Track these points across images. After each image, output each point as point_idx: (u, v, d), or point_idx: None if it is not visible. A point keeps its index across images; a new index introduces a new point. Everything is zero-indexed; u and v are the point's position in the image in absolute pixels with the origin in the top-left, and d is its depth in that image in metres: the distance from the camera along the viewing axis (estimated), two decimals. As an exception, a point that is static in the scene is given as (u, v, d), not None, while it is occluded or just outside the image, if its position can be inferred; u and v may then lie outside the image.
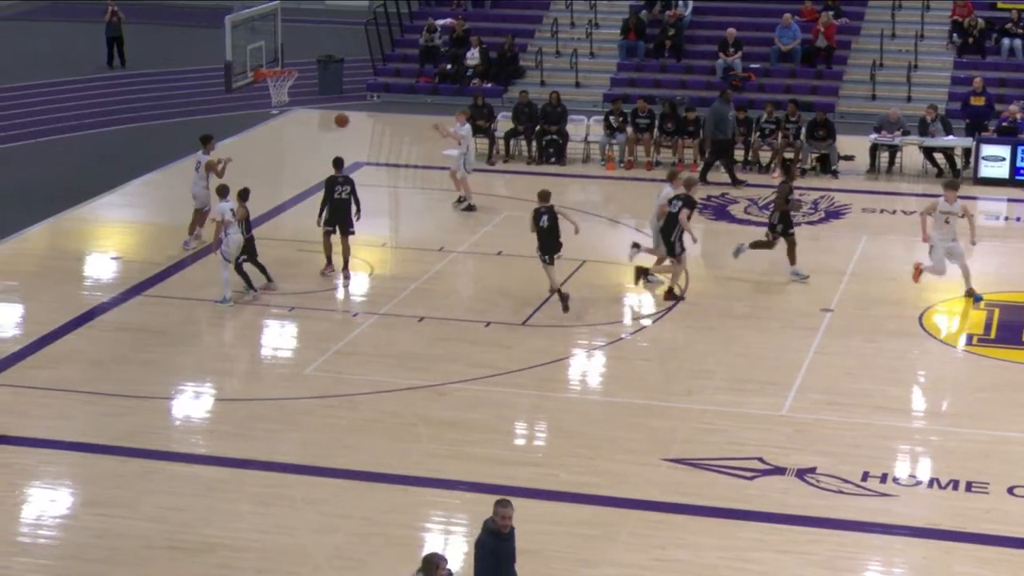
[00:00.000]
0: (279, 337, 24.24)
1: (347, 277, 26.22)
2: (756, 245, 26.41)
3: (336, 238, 26.29)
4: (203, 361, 22.89)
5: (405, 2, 45.53)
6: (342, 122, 30.92)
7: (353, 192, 26.57)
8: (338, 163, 27.01)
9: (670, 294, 25.25)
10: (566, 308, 24.43)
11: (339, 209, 26.40)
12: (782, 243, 26.22)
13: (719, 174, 32.83)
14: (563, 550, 16.66)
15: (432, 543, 17.10)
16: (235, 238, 24.83)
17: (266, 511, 17.69)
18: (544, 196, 25.18)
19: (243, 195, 25.07)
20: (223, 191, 25.27)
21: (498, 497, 13.93)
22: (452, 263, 27.39)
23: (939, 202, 25.11)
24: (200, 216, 27.95)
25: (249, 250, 25.29)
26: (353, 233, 26.34)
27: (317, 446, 19.53)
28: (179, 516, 17.53)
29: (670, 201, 25.32)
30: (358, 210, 26.54)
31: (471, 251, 28.02)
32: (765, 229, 26.76)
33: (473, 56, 41.84)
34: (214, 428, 20.43)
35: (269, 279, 25.61)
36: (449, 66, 42.08)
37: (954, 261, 25.00)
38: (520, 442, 20.23)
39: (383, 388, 21.37)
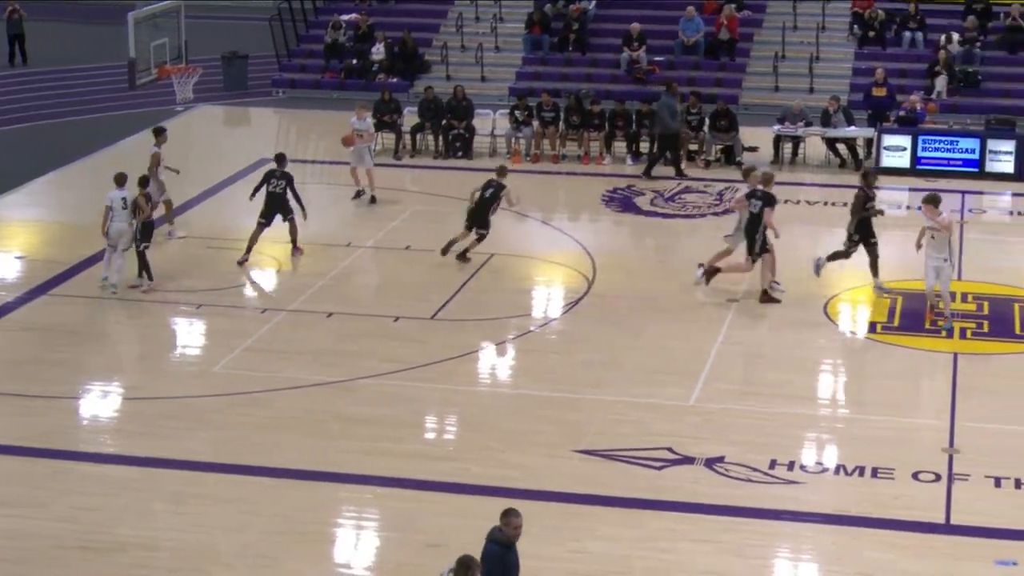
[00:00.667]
0: (187, 335, 24.07)
1: (298, 253, 27.12)
2: (834, 256, 25.66)
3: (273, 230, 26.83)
4: (111, 360, 22.70)
5: (310, -2, 45.42)
6: (349, 142, 31.06)
7: (289, 186, 26.91)
8: (280, 159, 27.49)
9: (766, 296, 24.95)
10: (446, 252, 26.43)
11: (273, 202, 26.73)
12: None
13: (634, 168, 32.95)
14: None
15: (344, 539, 17.06)
16: (116, 226, 24.97)
17: (178, 509, 17.56)
18: (501, 172, 27.12)
19: (120, 181, 25.37)
20: (121, 179, 25.37)
21: (505, 507, 13.80)
22: (360, 258, 27.33)
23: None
24: (168, 207, 28.05)
25: (146, 237, 25.28)
26: (291, 220, 26.93)
27: (228, 444, 19.42)
28: (90, 516, 17.37)
29: (749, 199, 25.06)
30: (301, 208, 27.03)
31: (379, 246, 27.96)
32: (681, 220, 26.89)
33: (378, 51, 41.77)
34: (124, 427, 20.25)
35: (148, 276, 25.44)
36: (355, 61, 41.97)
37: (940, 282, 23.93)
38: (431, 436, 20.22)
39: (294, 384, 21.28)
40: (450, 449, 19.57)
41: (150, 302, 24.70)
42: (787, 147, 34.43)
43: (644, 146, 34.60)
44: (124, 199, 25.14)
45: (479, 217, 26.76)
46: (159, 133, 28.56)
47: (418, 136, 35.33)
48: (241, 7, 52.88)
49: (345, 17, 43.35)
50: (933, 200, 24.51)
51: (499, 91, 40.60)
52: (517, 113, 34.95)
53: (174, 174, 28.66)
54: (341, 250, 27.49)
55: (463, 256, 26.67)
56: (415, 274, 26.42)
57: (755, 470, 18.57)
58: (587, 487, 18.12)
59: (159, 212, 27.20)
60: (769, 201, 24.91)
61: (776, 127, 34.42)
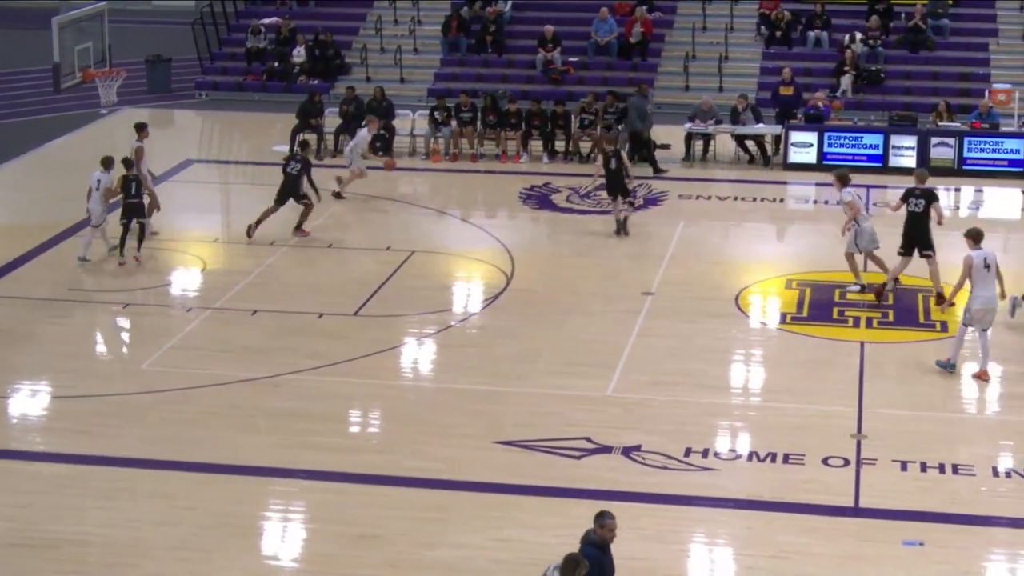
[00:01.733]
0: (115, 334, 23.92)
1: (300, 233, 28.15)
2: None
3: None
4: (39, 359, 22.49)
5: (231, 1, 45.14)
6: (390, 166, 31.47)
7: (305, 171, 28.12)
8: (304, 145, 30.71)
9: (882, 289, 24.89)
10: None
11: (287, 184, 28.00)
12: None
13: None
14: (404, 534, 16.69)
15: (273, 532, 17.02)
16: (91, 205, 26.47)
17: (111, 506, 17.47)
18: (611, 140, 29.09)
19: (106, 164, 26.90)
20: (106, 162, 26.95)
21: (600, 509, 13.79)
22: (283, 257, 27.24)
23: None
24: (153, 199, 28.02)
25: (129, 214, 26.43)
26: (305, 203, 28.08)
27: (158, 440, 19.32)
28: (23, 514, 17.23)
29: (908, 200, 24.68)
30: (315, 192, 28.45)
31: (302, 244, 27.88)
32: (596, 216, 26.97)
33: (299, 54, 41.65)
34: (54, 425, 20.11)
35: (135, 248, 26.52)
36: (276, 64, 41.83)
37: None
38: (356, 430, 20.22)
39: (220, 381, 21.21)
40: (375, 442, 19.57)
41: (77, 302, 24.55)
42: (698, 144, 34.65)
43: (560, 145, 34.75)
44: (99, 180, 26.45)
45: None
46: (141, 128, 28.61)
47: (339, 137, 35.25)
48: (164, 11, 52.55)
49: (265, 21, 43.19)
50: (838, 178, 25.24)
51: (418, 92, 40.58)
52: (436, 114, 34.97)
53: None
54: (265, 248, 27.38)
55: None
56: (338, 271, 26.41)
57: (671, 458, 18.69)
58: (508, 477, 18.18)
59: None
60: (932, 197, 24.79)
61: (687, 125, 34.62)
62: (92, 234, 26.75)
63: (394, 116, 35.32)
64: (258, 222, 27.82)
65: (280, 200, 27.98)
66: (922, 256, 24.70)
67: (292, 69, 41.51)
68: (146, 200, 27.19)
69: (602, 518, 13.61)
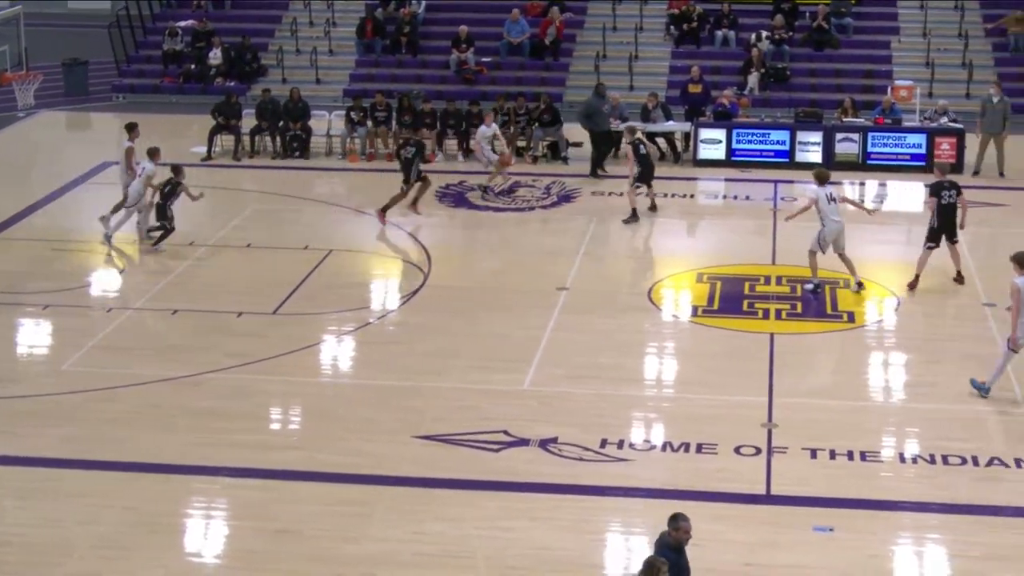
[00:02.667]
0: (35, 335, 23.62)
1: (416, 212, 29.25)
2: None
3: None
4: (-40, 362, 22.25)
5: (147, 5, 44.79)
6: (506, 162, 31.37)
7: (419, 154, 29.20)
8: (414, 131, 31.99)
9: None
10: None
11: (404, 168, 29.16)
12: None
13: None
14: (324, 529, 16.63)
15: (196, 529, 16.89)
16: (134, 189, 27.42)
17: (32, 505, 17.27)
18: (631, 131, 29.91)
19: (152, 154, 27.59)
20: (153, 153, 27.70)
21: (673, 511, 13.59)
22: (202, 257, 27.05)
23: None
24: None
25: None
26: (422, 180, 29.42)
27: (79, 440, 19.11)
28: (-57, 515, 17.04)
29: (941, 192, 24.87)
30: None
31: (221, 244, 27.70)
32: (511, 214, 27.00)
33: (216, 56, 41.38)
34: (-26, 427, 19.88)
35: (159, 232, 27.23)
36: (193, 66, 41.55)
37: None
38: (277, 427, 20.10)
39: (142, 380, 21.02)
40: (295, 439, 19.47)
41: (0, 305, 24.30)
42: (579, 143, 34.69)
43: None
44: (143, 168, 27.34)
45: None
46: (131, 129, 28.81)
47: (256, 137, 35.08)
48: (80, 14, 52.07)
49: (182, 23, 42.90)
50: (816, 175, 25.26)
51: (334, 93, 40.46)
52: (352, 114, 34.86)
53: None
54: (184, 249, 27.18)
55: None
56: (256, 271, 26.24)
57: (587, 449, 18.73)
58: (428, 471, 18.15)
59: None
60: (959, 188, 25.22)
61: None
62: (127, 215, 27.41)
63: (309, 117, 35.18)
64: (386, 208, 28.86)
65: (407, 182, 29.06)
66: (952, 243, 25.14)
67: (209, 71, 41.24)
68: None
69: (676, 520, 13.38)
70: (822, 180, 24.96)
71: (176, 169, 27.43)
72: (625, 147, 30.63)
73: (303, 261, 26.42)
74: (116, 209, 27.75)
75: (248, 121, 35.27)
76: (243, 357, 21.91)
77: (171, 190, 27.13)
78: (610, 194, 31.48)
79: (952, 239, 25.14)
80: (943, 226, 25.07)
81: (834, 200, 24.86)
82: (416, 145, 29.25)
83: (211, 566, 16.05)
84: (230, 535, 16.73)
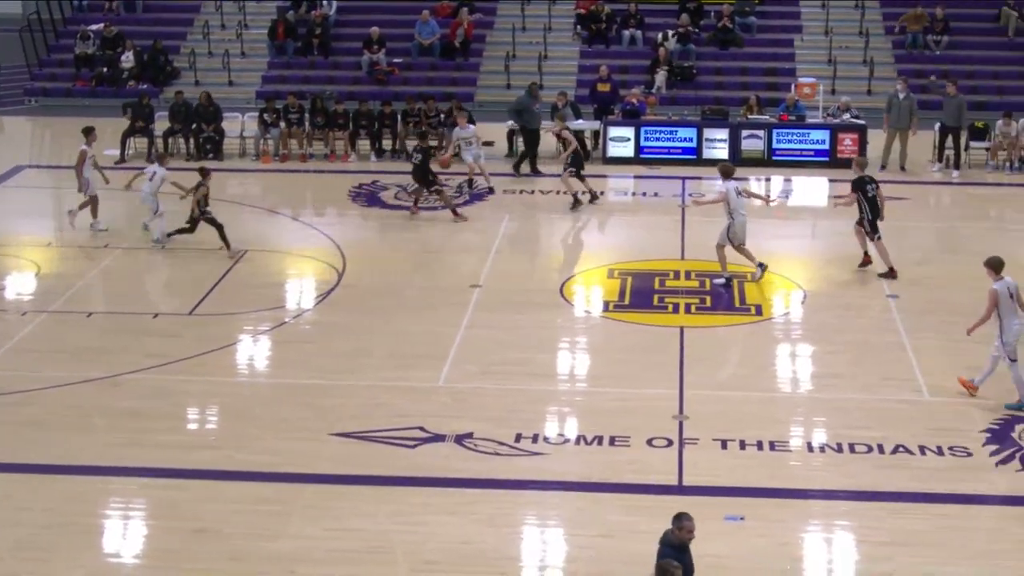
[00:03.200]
0: (-50, 339, 23.39)
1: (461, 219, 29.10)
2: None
3: None
4: None
5: (59, 8, 44.34)
6: (446, 164, 31.00)
7: (426, 159, 29.29)
8: (423, 136, 30.37)
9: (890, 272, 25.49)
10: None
11: (415, 171, 29.30)
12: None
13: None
14: (243, 527, 16.54)
15: (113, 529, 16.75)
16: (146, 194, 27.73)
17: (-52, 510, 17.10)
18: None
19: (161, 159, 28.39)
20: (162, 159, 28.69)
21: (678, 511, 13.54)
22: (118, 259, 26.82)
23: None
24: (93, 202, 28.14)
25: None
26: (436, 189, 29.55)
27: (-4, 443, 18.95)
28: None
29: (865, 187, 25.45)
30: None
31: (136, 246, 27.47)
32: (425, 212, 26.97)
33: (128, 59, 41.05)
34: None
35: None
36: (105, 69, 41.18)
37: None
38: (194, 427, 19.96)
39: (58, 383, 20.80)
40: (213, 438, 19.35)
41: (-89, 309, 23.98)
42: (520, 141, 34.77)
43: (387, 143, 34.72)
44: (155, 173, 27.71)
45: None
46: (88, 132, 28.48)
47: (169, 139, 34.83)
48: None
49: (93, 27, 42.50)
50: (722, 169, 25.44)
51: (246, 95, 40.27)
52: (266, 116, 34.70)
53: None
54: (99, 251, 26.96)
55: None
56: (172, 272, 26.09)
57: (502, 444, 18.75)
58: (345, 468, 18.10)
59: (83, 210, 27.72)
60: (877, 183, 25.82)
61: (509, 122, 34.73)
62: (152, 220, 27.64)
63: (222, 119, 35.00)
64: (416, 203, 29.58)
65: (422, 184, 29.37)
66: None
67: (121, 74, 40.90)
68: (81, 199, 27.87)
69: (680, 519, 13.32)
70: (728, 174, 25.17)
71: (203, 172, 27.07)
72: (566, 135, 30.76)
73: (218, 262, 26.27)
74: (83, 206, 28.06)
75: (161, 123, 35.04)
76: (160, 358, 21.74)
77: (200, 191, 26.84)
78: (521, 192, 31.54)
79: (874, 231, 25.55)
80: (874, 219, 25.47)
81: (741, 194, 25.11)
82: (423, 151, 29.15)
83: (130, 566, 15.93)
84: (149, 535, 16.60)
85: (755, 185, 31.71)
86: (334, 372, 21.28)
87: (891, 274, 25.33)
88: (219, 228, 26.64)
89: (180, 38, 43.00)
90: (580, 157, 30.30)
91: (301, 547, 16.12)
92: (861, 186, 25.47)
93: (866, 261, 25.63)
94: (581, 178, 30.03)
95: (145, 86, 40.13)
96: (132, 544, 16.44)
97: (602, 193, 31.94)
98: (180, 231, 26.94)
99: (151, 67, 41.01)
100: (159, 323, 23.40)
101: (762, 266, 25.07)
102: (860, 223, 25.59)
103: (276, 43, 41.91)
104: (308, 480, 17.78)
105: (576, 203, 29.72)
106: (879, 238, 25.41)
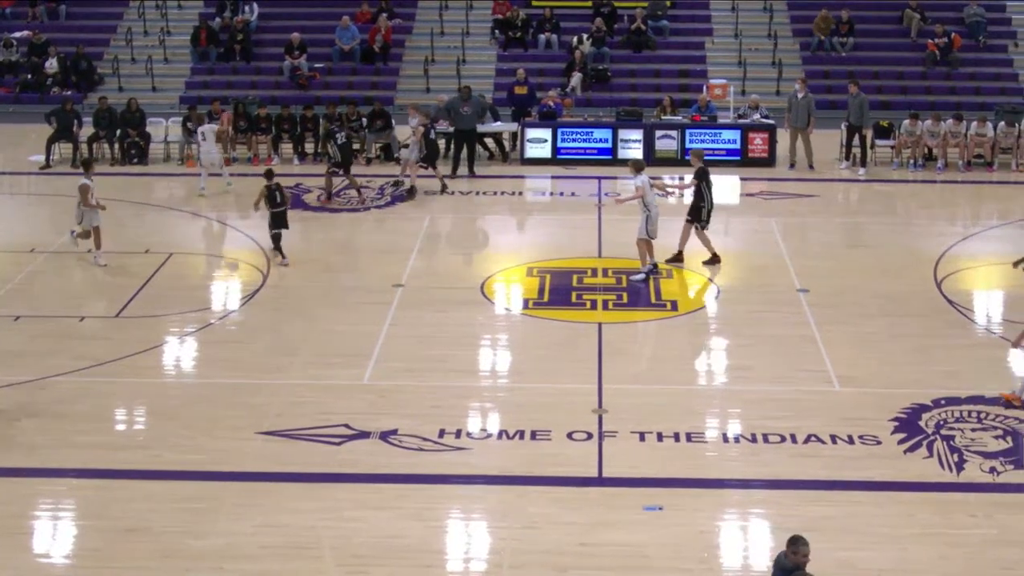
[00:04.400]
0: None
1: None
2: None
3: None
4: None
5: (-19, 15, 43.88)
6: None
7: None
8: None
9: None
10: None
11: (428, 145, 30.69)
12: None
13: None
14: (171, 525, 16.41)
15: (43, 530, 16.54)
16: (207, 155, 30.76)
17: None
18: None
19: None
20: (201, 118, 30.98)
21: (792, 535, 13.15)
22: (44, 263, 26.54)
23: None
24: (96, 233, 26.34)
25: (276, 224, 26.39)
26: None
27: (-76, 447, 18.68)
28: None
29: (707, 177, 25.84)
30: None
31: (62, 251, 27.18)
32: (346, 214, 26.88)
33: (52, 65, 40.63)
34: None
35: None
36: (29, 76, 40.74)
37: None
38: (122, 427, 19.77)
39: (-14, 386, 20.59)
40: (141, 439, 19.17)
41: None
42: (440, 143, 34.72)
43: (309, 147, 34.62)
44: (203, 133, 30.57)
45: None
46: (88, 165, 27.06)
47: (94, 145, 34.53)
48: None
49: (17, 34, 42.03)
50: (634, 165, 25.61)
51: (170, 100, 39.98)
52: (189, 124, 34.47)
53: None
54: (25, 256, 26.67)
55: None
56: (98, 275, 25.82)
57: (426, 439, 18.72)
58: (272, 466, 18.01)
59: (88, 240, 26.30)
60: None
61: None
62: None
63: (145, 124, 34.75)
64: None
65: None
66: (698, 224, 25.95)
67: (45, 81, 40.48)
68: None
69: (795, 544, 12.93)
70: (640, 169, 25.35)
71: (268, 174, 26.63)
72: (418, 128, 30.84)
73: (145, 264, 26.06)
74: (83, 236, 26.60)
75: (86, 129, 34.72)
76: (88, 360, 21.52)
77: (277, 195, 26.27)
78: (442, 193, 31.50)
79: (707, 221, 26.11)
80: (711, 209, 25.94)
81: (653, 187, 25.33)
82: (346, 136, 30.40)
83: (61, 566, 15.76)
84: (79, 535, 16.43)
85: (668, 183, 31.92)
86: (260, 371, 21.16)
87: (655, 270, 25.61)
88: (277, 246, 26.24)
89: (103, 44, 42.61)
90: (434, 154, 31.20)
91: (230, 544, 16.02)
92: (704, 177, 25.76)
93: (679, 258, 25.93)
94: (435, 167, 30.98)
95: (69, 92, 39.74)
96: (62, 544, 16.26)
97: (520, 193, 32.02)
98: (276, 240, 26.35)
99: (75, 73, 40.60)
100: (86, 326, 23.17)
101: (647, 272, 25.19)
102: (693, 217, 25.87)
103: (199, 49, 41.66)
104: (236, 478, 17.67)
105: (411, 194, 30.51)
106: (704, 228, 25.86)
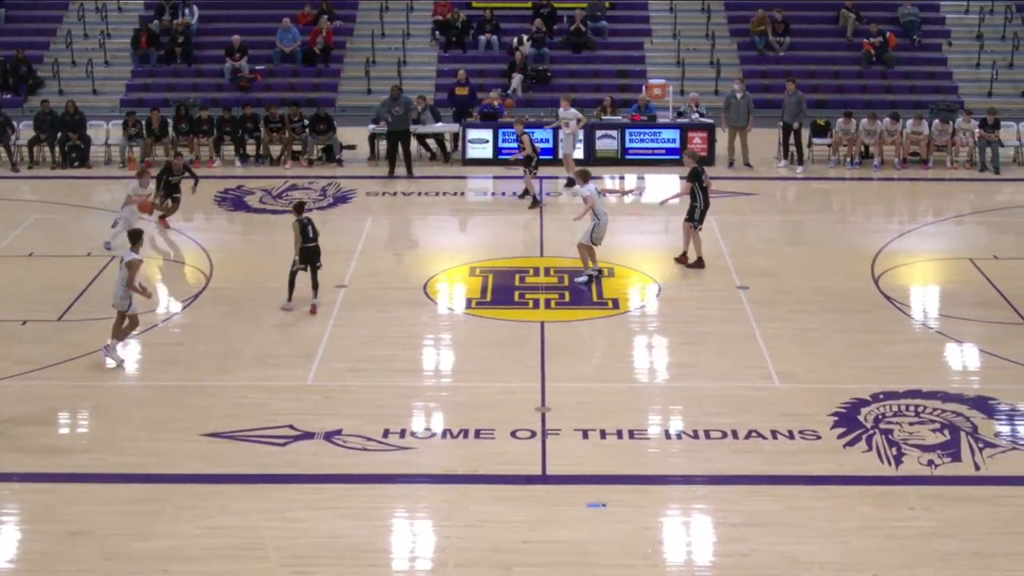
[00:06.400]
0: None
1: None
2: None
3: None
4: None
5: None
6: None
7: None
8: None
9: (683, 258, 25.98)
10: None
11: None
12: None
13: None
14: (116, 528, 16.31)
15: (-12, 534, 16.48)
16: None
17: None
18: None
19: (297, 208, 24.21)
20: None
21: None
22: (-14, 267, 26.36)
23: None
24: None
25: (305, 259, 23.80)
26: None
27: None
28: None
29: (701, 178, 25.72)
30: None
31: (2, 254, 26.96)
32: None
33: (-10, 69, 40.33)
34: None
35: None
36: (-32, 80, 40.44)
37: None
38: (66, 431, 19.62)
39: (-73, 391, 20.39)
40: (85, 442, 19.04)
41: None
42: (382, 144, 34.68)
43: (251, 149, 34.50)
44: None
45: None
46: (136, 238, 24.01)
47: (35, 148, 34.27)
48: None
49: (-45, 38, 41.72)
50: (581, 174, 25.49)
51: (111, 103, 39.69)
52: (131, 130, 34.26)
53: None
54: (-34, 260, 26.47)
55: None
56: (40, 279, 25.60)
57: (370, 439, 18.69)
58: (216, 467, 17.93)
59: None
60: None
61: (371, 127, 34.63)
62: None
63: (86, 127, 34.52)
64: None
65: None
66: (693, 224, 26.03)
67: (-16, 84, 40.18)
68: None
69: None
70: (587, 178, 25.33)
71: (299, 207, 24.25)
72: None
73: (86, 268, 25.87)
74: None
75: (26, 132, 34.46)
76: (30, 364, 21.35)
77: (310, 229, 23.82)
78: (383, 194, 31.47)
79: (701, 220, 26.00)
80: (704, 209, 25.86)
81: (602, 195, 25.37)
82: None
83: (6, 571, 15.62)
84: (23, 539, 16.29)
85: (609, 184, 32.05)
86: (204, 373, 21.06)
87: (700, 263, 25.80)
88: (293, 279, 24.03)
89: (43, 48, 42.25)
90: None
91: (174, 546, 15.94)
92: (697, 177, 25.80)
93: (683, 259, 25.96)
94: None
95: (8, 96, 39.41)
96: (6, 549, 16.12)
97: (462, 194, 32.04)
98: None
99: (14, 77, 40.25)
100: (28, 330, 22.98)
101: (591, 277, 25.24)
102: (690, 217, 25.87)
103: (139, 52, 41.37)
104: (180, 480, 17.58)
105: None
106: (699, 229, 25.84)
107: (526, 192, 30.56)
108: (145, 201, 26.51)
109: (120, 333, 21.46)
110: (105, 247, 26.69)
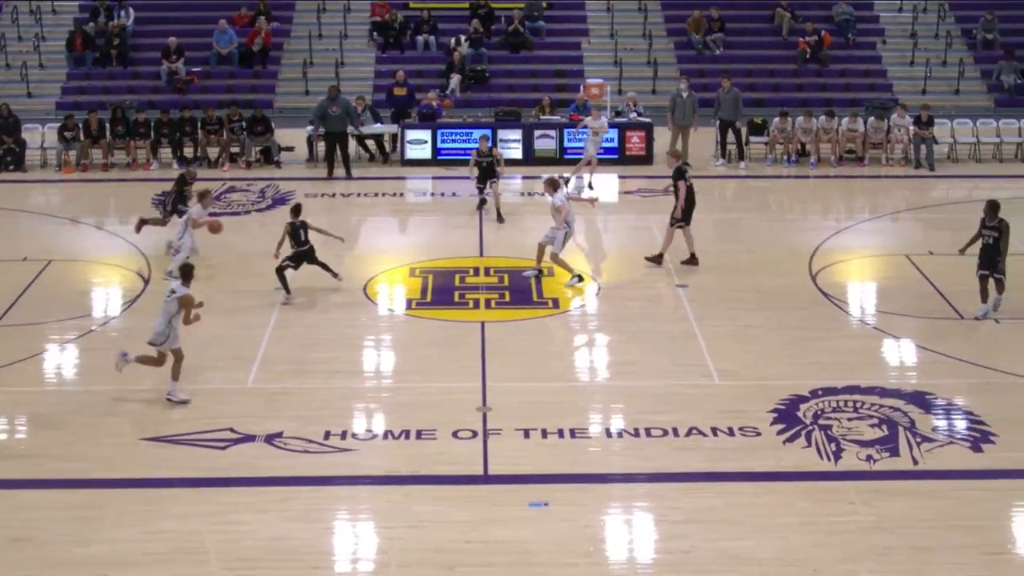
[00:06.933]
0: None
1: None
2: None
3: None
4: None
5: None
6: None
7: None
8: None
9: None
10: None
11: None
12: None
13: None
14: (56, 534, 16.20)
15: (-75, 542, 16.31)
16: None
17: None
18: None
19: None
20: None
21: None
22: (-79, 272, 26.10)
23: None
24: None
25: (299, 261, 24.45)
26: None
27: None
28: None
29: (684, 175, 25.76)
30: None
31: (-61, 259, 26.78)
32: (227, 218, 26.62)
33: (-76, 72, 39.95)
34: None
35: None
36: (-100, 83, 40.04)
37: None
38: (3, 436, 19.45)
39: None
40: (23, 448, 18.90)
41: None
42: (320, 145, 34.59)
43: (188, 151, 34.35)
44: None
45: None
46: (204, 196, 25.89)
47: (-31, 152, 34.07)
48: None
49: None
50: (550, 184, 25.36)
51: (46, 106, 39.41)
52: (66, 133, 34.02)
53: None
54: (-100, 266, 26.21)
55: None
56: (-24, 284, 25.44)
57: (311, 441, 18.65)
58: (156, 471, 17.83)
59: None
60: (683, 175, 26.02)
61: (309, 128, 34.54)
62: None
63: (20, 130, 34.25)
64: None
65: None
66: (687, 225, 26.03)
67: (-83, 88, 39.80)
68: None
69: None
70: (557, 187, 25.33)
71: (296, 209, 24.78)
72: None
73: (22, 272, 25.68)
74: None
75: (-40, 136, 34.21)
76: (-34, 370, 21.21)
77: (301, 232, 24.37)
78: (323, 195, 31.40)
79: (688, 221, 26.03)
80: (690, 208, 25.93)
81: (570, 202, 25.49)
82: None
83: (-57, 578, 15.52)
84: (-40, 546, 16.19)
85: (575, 187, 32.15)
86: (143, 377, 20.89)
87: (660, 260, 25.93)
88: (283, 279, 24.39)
89: (-24, 51, 41.95)
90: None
91: (115, 551, 15.85)
92: (683, 175, 25.88)
93: (693, 260, 26.02)
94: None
95: (-58, 99, 39.10)
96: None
97: (401, 194, 32.02)
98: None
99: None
100: (-36, 335, 22.82)
101: (541, 271, 25.28)
102: (680, 216, 25.94)
103: (74, 54, 41.09)
104: (120, 485, 17.48)
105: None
106: (683, 227, 25.85)
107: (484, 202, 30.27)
108: (214, 221, 25.76)
109: (175, 373, 20.09)
110: (167, 275, 25.07)
